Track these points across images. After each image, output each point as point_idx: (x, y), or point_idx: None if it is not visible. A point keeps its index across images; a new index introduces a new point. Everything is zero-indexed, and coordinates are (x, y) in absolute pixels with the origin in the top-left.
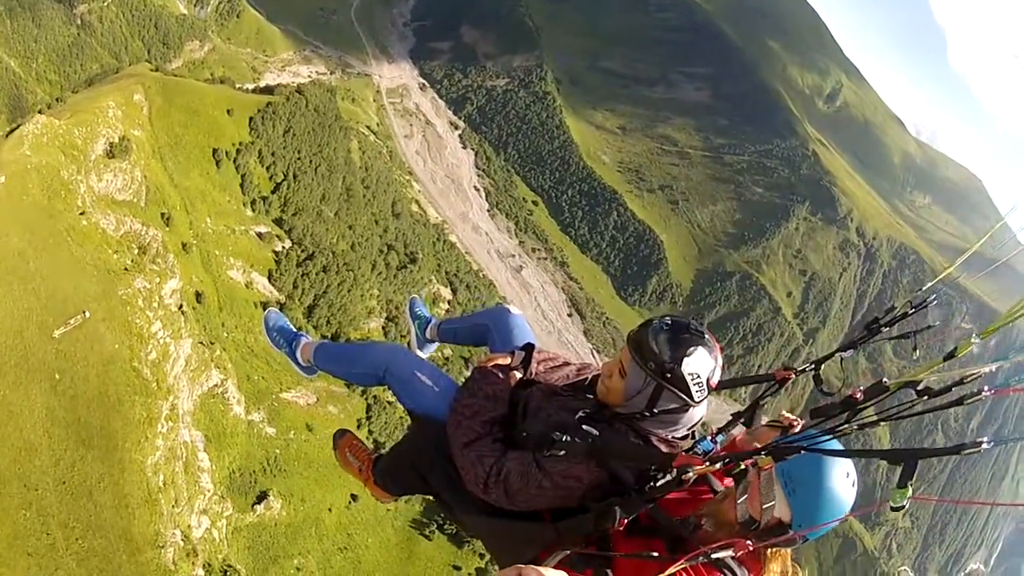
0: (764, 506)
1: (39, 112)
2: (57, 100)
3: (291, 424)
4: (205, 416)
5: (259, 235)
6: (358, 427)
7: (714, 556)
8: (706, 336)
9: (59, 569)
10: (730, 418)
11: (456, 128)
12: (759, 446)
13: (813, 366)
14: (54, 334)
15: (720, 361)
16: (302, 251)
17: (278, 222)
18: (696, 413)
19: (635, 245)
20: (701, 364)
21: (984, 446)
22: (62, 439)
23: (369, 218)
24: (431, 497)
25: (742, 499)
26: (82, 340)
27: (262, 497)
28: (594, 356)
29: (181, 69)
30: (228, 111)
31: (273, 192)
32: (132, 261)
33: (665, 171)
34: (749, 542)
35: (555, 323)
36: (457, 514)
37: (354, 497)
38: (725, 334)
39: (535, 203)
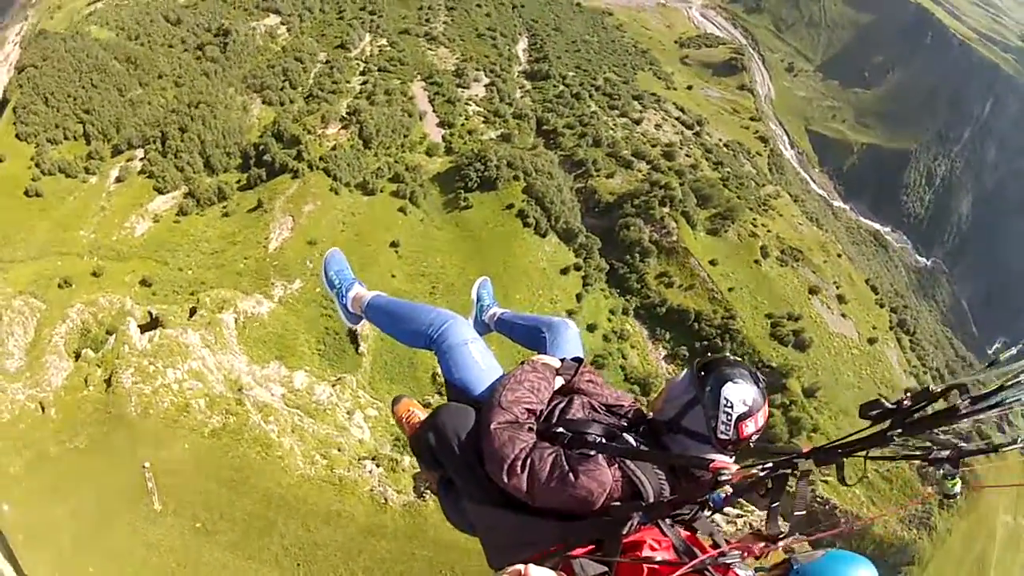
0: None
1: None
2: None
3: (301, 258)
4: (258, 347)
5: (119, 180)
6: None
7: (723, 561)
8: (762, 388)
9: None
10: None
11: None
12: (804, 450)
13: (840, 450)
14: (155, 508)
15: (759, 419)
16: (153, 144)
17: (117, 151)
18: (711, 456)
19: None
20: (740, 398)
21: (1018, 445)
22: (250, 546)
23: (173, 59)
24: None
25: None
26: (165, 474)
27: (354, 338)
28: None
29: None
30: None
31: (88, 143)
32: (88, 363)
33: None
34: (761, 544)
35: None
36: (461, 501)
37: (394, 244)
38: None
39: None
